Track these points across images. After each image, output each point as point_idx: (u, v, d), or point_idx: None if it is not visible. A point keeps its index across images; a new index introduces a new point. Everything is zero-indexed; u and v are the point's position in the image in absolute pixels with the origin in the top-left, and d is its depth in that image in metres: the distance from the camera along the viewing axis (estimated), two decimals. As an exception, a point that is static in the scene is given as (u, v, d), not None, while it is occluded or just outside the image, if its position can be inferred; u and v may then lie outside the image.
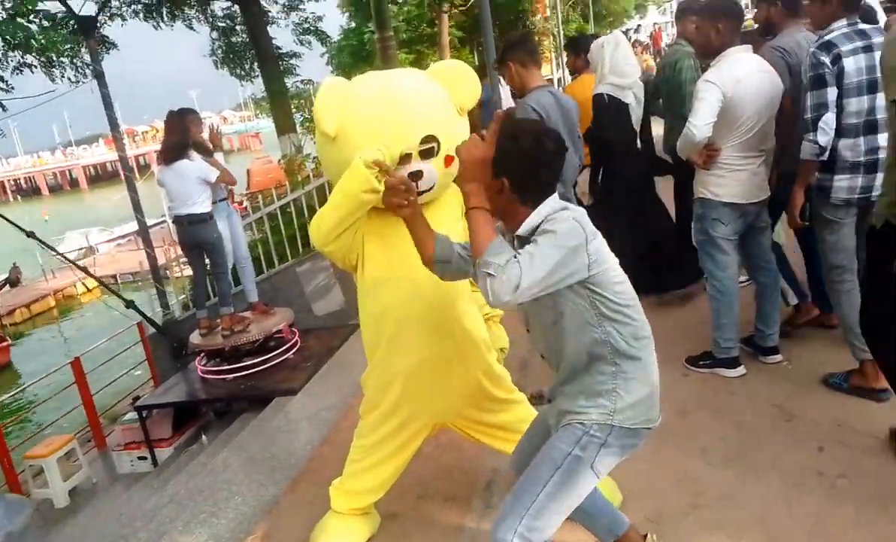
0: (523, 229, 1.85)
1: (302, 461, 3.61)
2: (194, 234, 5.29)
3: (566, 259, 1.73)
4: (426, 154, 2.36)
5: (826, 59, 2.93)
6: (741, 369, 3.52)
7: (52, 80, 8.97)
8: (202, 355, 5.64)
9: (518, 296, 1.67)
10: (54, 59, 8.59)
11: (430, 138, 2.35)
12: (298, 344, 5.67)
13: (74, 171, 65.38)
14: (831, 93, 2.93)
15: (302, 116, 9.57)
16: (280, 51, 10.61)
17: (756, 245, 3.55)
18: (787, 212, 3.25)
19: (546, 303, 1.85)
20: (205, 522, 3.22)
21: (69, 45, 8.57)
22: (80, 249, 27.14)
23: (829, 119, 2.93)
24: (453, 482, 3.04)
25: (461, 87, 2.49)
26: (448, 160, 2.40)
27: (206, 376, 5.48)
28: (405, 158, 2.34)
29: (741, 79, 3.18)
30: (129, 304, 6.70)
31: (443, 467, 3.14)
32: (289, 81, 10.51)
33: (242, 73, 12.06)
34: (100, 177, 64.51)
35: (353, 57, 12.25)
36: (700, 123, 3.16)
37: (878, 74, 2.66)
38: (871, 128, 2.93)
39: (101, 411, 6.92)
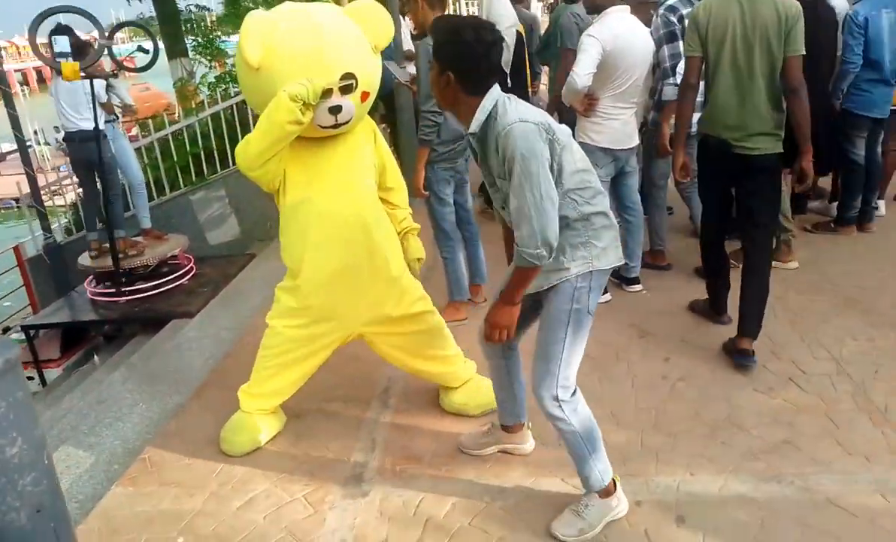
0: (474, 127, 2.11)
1: (205, 373, 3.78)
2: (82, 151, 5.18)
3: (541, 166, 2.00)
4: (345, 90, 2.57)
5: (674, 18, 3.85)
6: (608, 296, 4.02)
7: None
8: (91, 278, 5.57)
9: (552, 242, 2.01)
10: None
11: (349, 75, 2.55)
12: (194, 270, 5.72)
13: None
14: (681, 45, 3.72)
15: (194, 40, 9.26)
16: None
17: (625, 187, 4.03)
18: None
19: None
20: (110, 425, 3.34)
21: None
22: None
23: (681, 66, 3.74)
24: (354, 387, 3.35)
25: (376, 27, 2.69)
26: (364, 96, 2.62)
27: (96, 298, 5.44)
28: (326, 93, 2.52)
29: (619, 35, 3.58)
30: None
31: (345, 376, 3.42)
32: (181, 3, 10.07)
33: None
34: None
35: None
36: (582, 72, 3.54)
37: None
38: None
39: (-26, 336, 6.64)
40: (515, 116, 2.04)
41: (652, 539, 2.28)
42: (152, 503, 2.68)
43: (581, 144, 3.82)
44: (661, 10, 3.90)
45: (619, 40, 3.58)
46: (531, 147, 2.00)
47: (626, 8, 3.73)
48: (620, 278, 4.19)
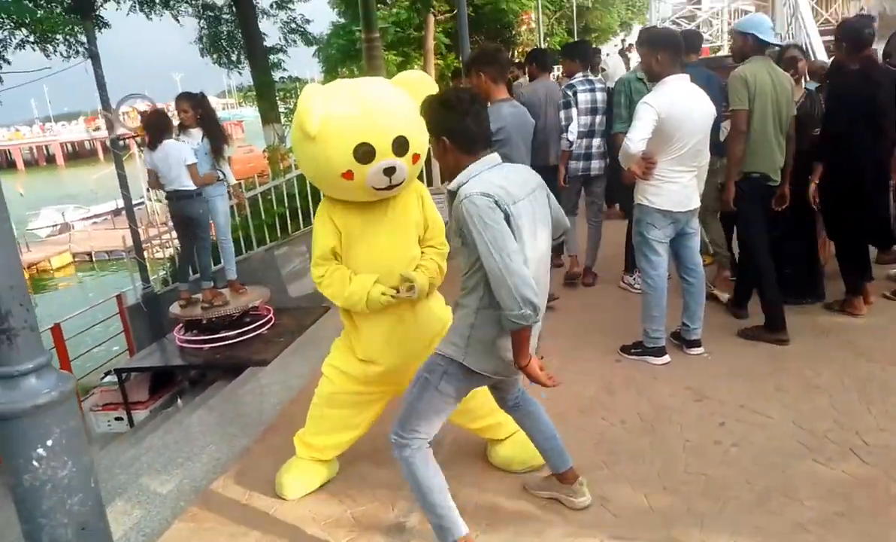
0: (453, 185, 2.31)
1: (271, 417, 3.99)
2: (181, 208, 5.65)
3: (496, 228, 2.16)
4: (399, 151, 2.69)
5: (570, 93, 5.19)
6: (666, 358, 3.99)
7: (47, 56, 9.20)
8: (181, 325, 5.99)
9: (532, 299, 2.14)
10: (49, 36, 8.82)
11: (400, 138, 2.69)
12: (273, 321, 6.04)
13: (52, 147, 64.49)
14: (573, 112, 5.10)
15: (287, 107, 9.93)
16: (267, 45, 10.98)
17: (686, 249, 4.02)
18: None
19: (463, 252, 2.33)
20: (181, 465, 3.58)
21: (68, 25, 8.83)
22: (55, 225, 27.09)
23: (573, 127, 5.12)
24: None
25: (423, 95, 2.84)
26: (415, 158, 2.76)
27: (183, 345, 5.83)
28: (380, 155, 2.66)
29: (675, 102, 3.65)
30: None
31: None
32: (275, 75, 10.86)
33: (228, 62, 12.37)
34: (77, 154, 63.70)
35: (342, 54, 12.54)
36: (636, 138, 3.62)
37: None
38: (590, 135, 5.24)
39: (76, 377, 7.21)
40: (475, 187, 2.22)
41: (687, 607, 2.25)
42: (209, 538, 2.86)
43: (639, 205, 3.89)
44: (563, 86, 5.45)
45: (675, 107, 3.64)
46: (485, 214, 2.16)
47: (686, 76, 3.80)
48: (682, 340, 4.14)
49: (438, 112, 2.36)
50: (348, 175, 2.64)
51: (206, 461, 3.58)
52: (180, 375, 6.11)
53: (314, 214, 3.31)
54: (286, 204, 7.25)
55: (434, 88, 2.85)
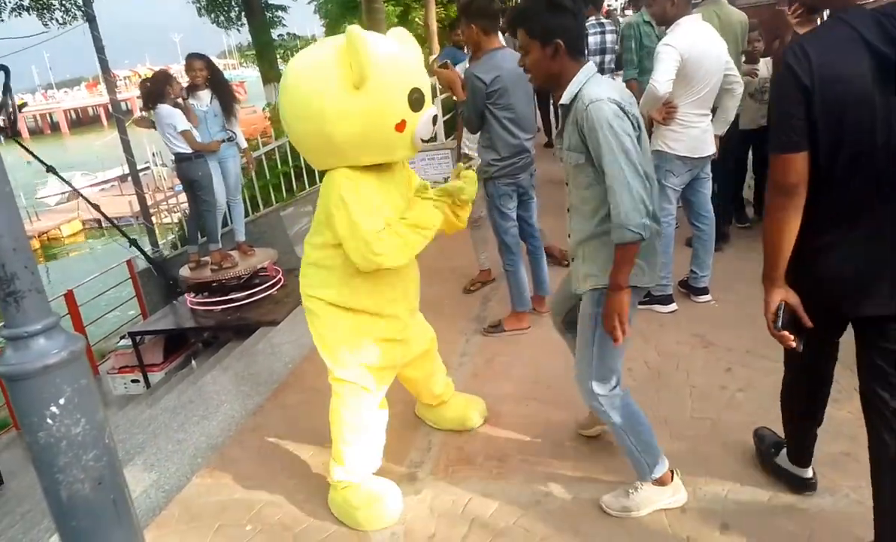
0: (566, 98, 2.20)
1: (283, 375, 4.05)
2: (181, 171, 5.66)
3: (629, 139, 2.05)
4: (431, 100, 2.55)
5: None
6: (673, 306, 4.00)
7: (45, 23, 9.12)
8: (190, 288, 6.04)
9: (654, 210, 2.08)
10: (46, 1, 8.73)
11: (430, 87, 2.54)
12: (282, 281, 6.09)
13: (55, 114, 64.40)
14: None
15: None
16: (267, 2, 10.82)
17: (699, 195, 3.99)
18: None
19: (585, 170, 2.19)
20: (197, 424, 3.65)
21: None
22: (63, 193, 27.16)
23: None
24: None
25: (417, 51, 2.67)
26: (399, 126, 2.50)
27: (195, 308, 5.89)
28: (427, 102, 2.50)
29: (694, 43, 3.58)
30: (132, 242, 7.00)
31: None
32: (275, 32, 10.72)
33: (226, 22, 12.20)
34: (81, 121, 63.69)
35: (341, 8, 12.37)
36: (662, 79, 3.56)
37: None
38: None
39: (92, 342, 7.32)
40: (602, 92, 2.10)
41: (693, 546, 2.30)
42: (227, 493, 2.93)
43: (657, 152, 3.83)
44: None
45: (695, 48, 3.58)
46: (615, 122, 2.05)
47: (698, 16, 3.73)
48: (689, 288, 4.15)
49: (553, 12, 2.19)
50: (401, 126, 2.40)
51: (221, 419, 3.65)
52: (193, 337, 6.19)
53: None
54: (290, 163, 7.25)
55: (417, 47, 2.66)
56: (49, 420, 1.39)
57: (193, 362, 5.82)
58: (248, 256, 6.19)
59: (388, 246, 2.38)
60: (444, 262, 5.31)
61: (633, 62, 5.06)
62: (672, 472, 2.46)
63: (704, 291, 4.11)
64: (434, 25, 11.23)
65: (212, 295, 5.89)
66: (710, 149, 3.85)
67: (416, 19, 13.85)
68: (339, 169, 2.42)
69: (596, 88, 2.14)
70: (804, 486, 2.46)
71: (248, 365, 4.43)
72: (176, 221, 8.37)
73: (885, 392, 2.00)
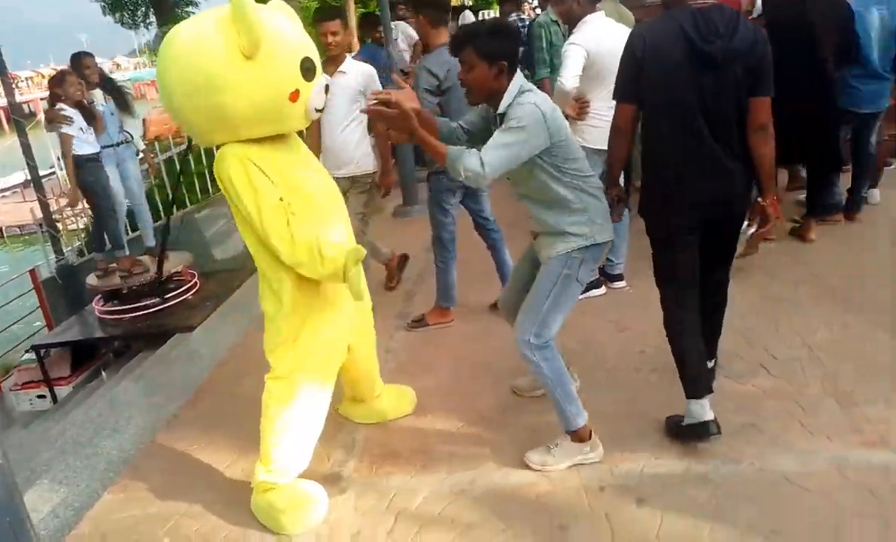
0: (502, 106, 2.44)
1: (199, 382, 3.92)
2: (77, 176, 5.39)
3: (523, 142, 2.35)
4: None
5: None
6: (602, 290, 4.14)
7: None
8: (99, 296, 5.76)
9: (488, 177, 2.33)
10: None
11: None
12: (198, 285, 5.88)
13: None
14: None
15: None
16: (175, -1, 10.46)
17: None
18: None
19: (523, 170, 2.45)
20: (108, 437, 3.48)
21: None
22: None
23: None
24: (338, 390, 3.42)
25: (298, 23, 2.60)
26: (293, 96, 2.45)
27: (104, 316, 5.62)
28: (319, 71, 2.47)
29: (601, 40, 3.68)
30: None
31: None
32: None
33: (131, 21, 11.66)
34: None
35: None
36: (569, 76, 3.66)
37: None
38: None
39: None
40: (536, 97, 2.43)
41: (611, 521, 2.36)
42: (141, 507, 2.82)
43: None
44: None
45: (602, 44, 3.67)
46: (528, 118, 2.34)
47: (602, 13, 3.83)
48: (605, 274, 4.26)
49: (499, 39, 2.45)
50: (295, 95, 2.36)
51: (133, 431, 3.50)
52: (103, 347, 5.90)
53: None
54: (205, 163, 7.03)
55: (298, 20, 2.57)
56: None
57: (104, 373, 5.54)
58: (162, 261, 5.95)
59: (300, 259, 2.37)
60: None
61: (545, 61, 5.14)
62: (591, 430, 2.66)
63: (619, 277, 4.24)
64: (353, 21, 11.10)
65: (122, 303, 5.62)
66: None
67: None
68: (231, 146, 2.36)
69: (532, 94, 2.44)
70: (707, 429, 2.62)
71: (162, 373, 4.27)
72: (83, 226, 7.95)
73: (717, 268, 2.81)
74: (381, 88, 3.74)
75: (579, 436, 2.65)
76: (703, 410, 2.62)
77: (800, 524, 2.23)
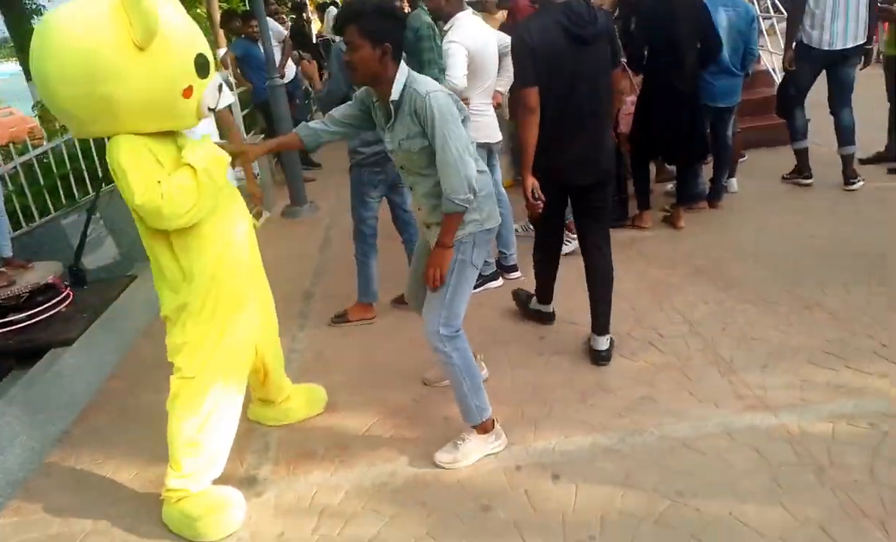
0: (395, 94, 2.42)
1: (87, 397, 3.69)
2: None
3: (457, 126, 2.39)
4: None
5: None
6: (499, 282, 4.32)
7: None
8: (-43, 313, 5.24)
9: (476, 187, 2.44)
10: None
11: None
12: (70, 297, 5.49)
13: None
14: None
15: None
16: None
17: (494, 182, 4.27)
18: None
19: (426, 152, 2.46)
20: (-13, 462, 3.22)
21: None
22: None
23: None
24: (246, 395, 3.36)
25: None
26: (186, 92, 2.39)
27: (-37, 335, 5.12)
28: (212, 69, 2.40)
29: (476, 37, 3.82)
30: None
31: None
32: (35, 21, 9.57)
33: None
34: None
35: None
36: (459, 75, 3.74)
37: None
38: None
39: None
40: (431, 85, 2.42)
41: (531, 498, 2.49)
42: (40, 529, 2.63)
43: None
44: None
45: (477, 42, 3.81)
46: (450, 111, 2.38)
47: (470, 11, 3.98)
48: (501, 267, 4.42)
49: (385, 20, 2.39)
50: (188, 92, 2.30)
51: (19, 452, 3.23)
52: (-37, 369, 5.37)
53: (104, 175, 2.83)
54: (69, 166, 6.53)
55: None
56: None
57: (-31, 396, 5.05)
58: (27, 271, 5.50)
59: (170, 200, 2.22)
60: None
61: (435, 61, 5.22)
62: (493, 420, 2.75)
63: (514, 268, 4.42)
64: (217, 17, 10.70)
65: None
66: (499, 135, 4.15)
67: (199, 11, 13.10)
68: (122, 135, 2.25)
69: (425, 82, 2.43)
70: (549, 317, 3.76)
71: (42, 391, 3.96)
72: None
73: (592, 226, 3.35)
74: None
75: (484, 428, 2.73)
76: (548, 308, 3.73)
77: (700, 484, 2.44)
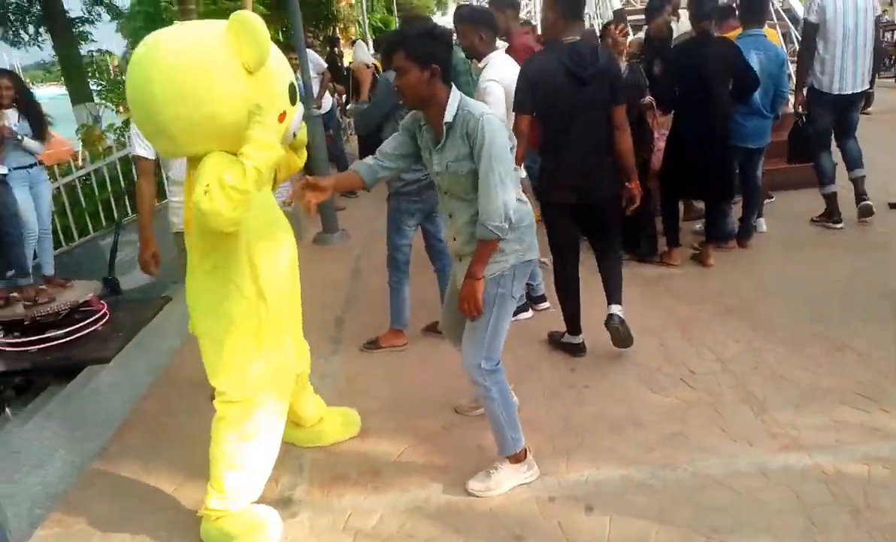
0: (449, 116, 2.45)
1: (124, 415, 3.77)
2: None
3: (506, 151, 2.44)
4: None
5: None
6: (529, 313, 4.35)
7: None
8: (-2, 328, 5.39)
9: (512, 218, 2.46)
10: None
11: None
12: (107, 316, 5.62)
13: None
14: None
15: (99, 84, 9.11)
16: (69, 16, 9.95)
17: None
18: None
19: (472, 176, 2.47)
20: (29, 473, 3.28)
21: None
22: None
23: None
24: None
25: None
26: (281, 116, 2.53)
27: (4, 349, 5.26)
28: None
29: (509, 75, 3.91)
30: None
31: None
32: (83, 49, 9.91)
33: (14, 38, 10.98)
34: None
35: (147, 23, 11.69)
36: (500, 112, 3.76)
37: None
38: None
39: None
40: (484, 108, 2.48)
41: (564, 529, 2.51)
42: (81, 540, 2.70)
43: None
44: None
45: (510, 79, 3.89)
46: (502, 135, 2.42)
47: (502, 50, 4.08)
48: (529, 298, 4.47)
49: (432, 43, 2.42)
50: (282, 117, 2.43)
51: (58, 466, 3.32)
52: (2, 384, 5.50)
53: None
54: (109, 189, 6.74)
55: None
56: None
57: (8, 410, 5.17)
58: (66, 290, 5.65)
59: (217, 197, 2.18)
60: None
61: (471, 95, 5.35)
62: (526, 450, 2.78)
63: (542, 298, 4.46)
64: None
65: (25, 334, 5.29)
66: (522, 171, 4.22)
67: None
68: (213, 154, 2.30)
69: (478, 106, 2.49)
70: (579, 349, 3.84)
71: (80, 407, 4.07)
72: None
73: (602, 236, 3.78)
74: None
75: (517, 458, 2.75)
76: (577, 339, 3.81)
77: (734, 522, 2.45)
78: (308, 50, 8.12)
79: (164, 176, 2.84)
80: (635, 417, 3.16)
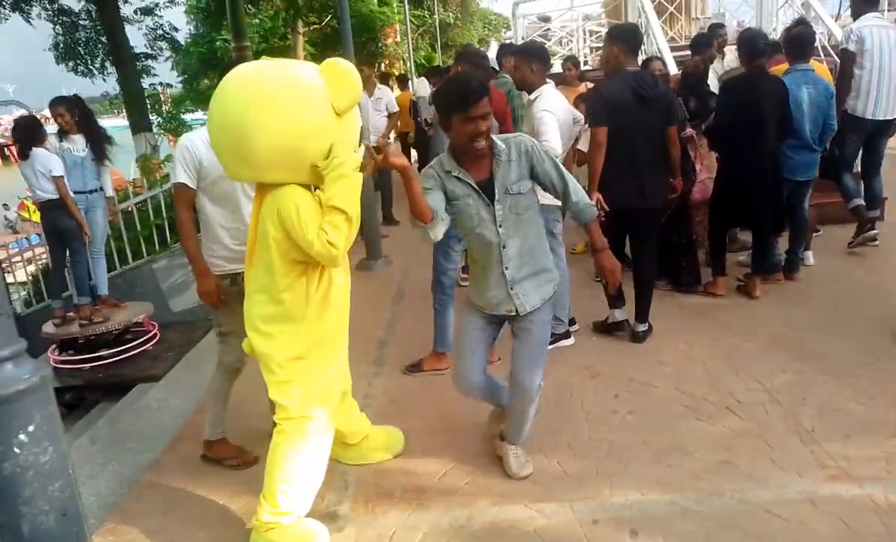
0: (500, 143, 2.75)
1: (176, 429, 3.88)
2: (52, 220, 5.33)
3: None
4: None
5: None
6: (571, 340, 4.35)
7: None
8: (54, 346, 5.61)
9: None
10: None
11: None
12: (158, 336, 5.81)
13: None
14: None
15: (158, 116, 9.53)
16: (134, 51, 10.49)
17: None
18: None
19: (529, 193, 2.78)
20: (82, 484, 3.39)
21: None
22: None
23: None
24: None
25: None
26: None
27: (59, 366, 5.47)
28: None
29: (560, 107, 4.00)
30: None
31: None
32: (145, 82, 10.41)
33: (85, 70, 11.60)
34: None
35: (202, 63, 12.20)
36: (555, 141, 3.89)
37: None
38: None
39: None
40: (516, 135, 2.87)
41: (609, 552, 2.49)
42: (134, 549, 2.78)
43: (545, 205, 4.09)
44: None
45: (560, 111, 3.99)
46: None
47: (552, 83, 4.17)
48: (572, 324, 4.48)
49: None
50: None
51: (110, 478, 3.43)
52: (57, 398, 5.70)
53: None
54: (164, 215, 6.99)
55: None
56: (17, 449, 1.33)
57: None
58: (119, 310, 5.87)
59: (332, 232, 2.38)
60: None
61: (522, 118, 5.43)
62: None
63: (572, 321, 4.49)
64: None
65: (78, 352, 5.50)
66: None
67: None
68: (293, 185, 2.43)
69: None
70: (620, 326, 4.42)
71: (131, 422, 4.20)
72: (31, 273, 7.70)
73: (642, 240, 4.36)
74: None
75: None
76: (622, 315, 4.40)
77: (783, 549, 2.42)
78: (384, 88, 8.28)
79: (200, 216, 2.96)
80: (681, 444, 3.13)
